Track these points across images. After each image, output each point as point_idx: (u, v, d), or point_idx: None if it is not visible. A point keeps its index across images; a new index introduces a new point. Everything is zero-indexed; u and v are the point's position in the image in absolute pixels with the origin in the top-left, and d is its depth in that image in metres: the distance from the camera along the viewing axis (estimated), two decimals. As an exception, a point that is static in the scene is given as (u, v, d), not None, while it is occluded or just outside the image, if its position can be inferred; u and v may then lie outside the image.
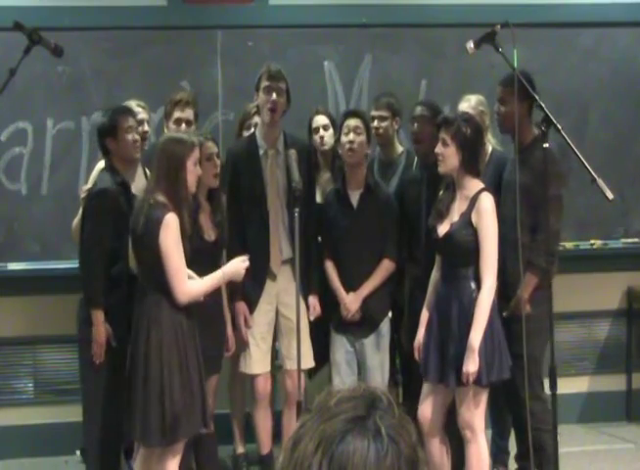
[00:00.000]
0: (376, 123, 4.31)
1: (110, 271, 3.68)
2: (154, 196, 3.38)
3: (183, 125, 4.20)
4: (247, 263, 3.52)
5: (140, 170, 3.99)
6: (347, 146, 4.02)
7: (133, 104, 4.19)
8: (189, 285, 3.40)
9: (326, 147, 4.41)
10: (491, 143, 4.31)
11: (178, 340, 3.38)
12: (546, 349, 3.71)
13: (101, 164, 3.96)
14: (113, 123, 3.75)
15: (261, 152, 4.06)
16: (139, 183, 3.86)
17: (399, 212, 4.13)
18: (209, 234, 3.83)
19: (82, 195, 3.95)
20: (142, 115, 4.18)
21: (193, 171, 3.44)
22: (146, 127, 4.21)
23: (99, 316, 3.66)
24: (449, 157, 3.53)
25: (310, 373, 4.25)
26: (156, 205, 3.36)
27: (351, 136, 4.01)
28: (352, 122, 4.04)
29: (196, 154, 3.45)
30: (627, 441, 4.94)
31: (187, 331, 3.42)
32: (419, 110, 4.10)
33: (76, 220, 4.03)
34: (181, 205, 3.38)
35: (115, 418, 3.62)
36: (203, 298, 3.49)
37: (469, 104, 4.24)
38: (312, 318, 4.07)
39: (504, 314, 3.73)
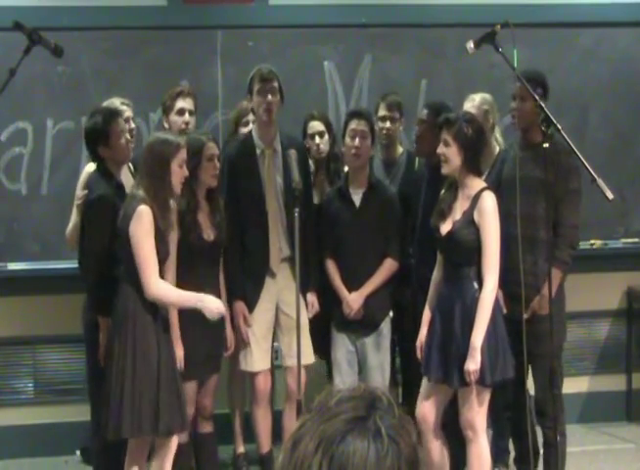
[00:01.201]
0: (388, 124, 4.30)
1: (112, 274, 3.66)
2: (136, 192, 3.40)
3: (186, 115, 4.18)
4: (222, 313, 3.47)
5: (125, 167, 3.97)
6: (353, 151, 4.01)
7: (117, 102, 4.13)
8: (158, 282, 3.38)
9: (322, 155, 4.39)
10: (499, 142, 4.30)
11: (137, 335, 3.35)
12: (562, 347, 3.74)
13: (90, 166, 3.92)
14: (104, 130, 3.67)
15: (258, 152, 4.06)
16: (127, 181, 3.85)
17: (403, 212, 4.12)
18: (208, 234, 3.83)
19: (78, 201, 3.91)
20: (127, 113, 4.12)
21: (178, 173, 3.44)
22: (132, 125, 4.17)
23: (104, 322, 3.65)
24: (452, 157, 3.52)
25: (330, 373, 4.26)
26: (133, 198, 3.38)
27: (357, 142, 4.00)
28: (359, 127, 4.02)
29: (181, 155, 3.44)
30: (627, 441, 4.94)
31: (151, 328, 3.39)
32: (422, 114, 4.09)
33: (71, 227, 4.00)
34: (161, 204, 3.39)
35: None
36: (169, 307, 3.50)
37: (472, 104, 4.23)
38: (311, 315, 4.07)
39: (525, 316, 3.63)
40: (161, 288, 3.39)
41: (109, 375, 3.39)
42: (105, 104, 4.13)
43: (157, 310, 3.43)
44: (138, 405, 3.34)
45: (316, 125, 4.39)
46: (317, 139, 4.36)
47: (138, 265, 3.34)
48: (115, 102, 4.14)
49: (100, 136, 3.68)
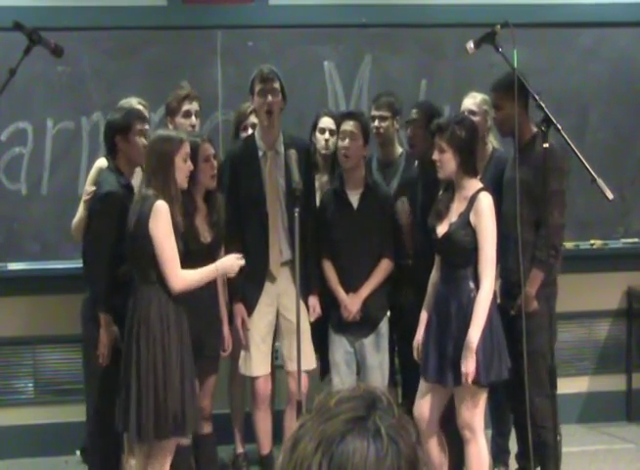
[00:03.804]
0: (376, 123, 4.29)
1: (116, 273, 3.65)
2: (146, 191, 3.39)
3: (193, 118, 4.18)
4: (242, 262, 3.51)
5: (138, 169, 3.98)
6: (343, 151, 4.01)
7: (134, 101, 4.14)
8: (183, 272, 3.38)
9: (328, 152, 4.39)
10: (493, 144, 4.31)
11: (164, 337, 3.36)
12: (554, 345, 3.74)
13: (100, 161, 3.93)
14: (126, 123, 3.72)
15: (260, 154, 4.05)
16: (138, 182, 3.85)
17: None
18: (205, 236, 3.82)
19: (86, 197, 3.91)
20: (144, 113, 4.14)
21: (182, 168, 3.44)
22: (146, 126, 4.19)
23: (105, 319, 3.66)
24: (447, 162, 3.52)
25: (322, 374, 4.24)
26: (146, 197, 3.37)
27: (347, 142, 3.99)
28: (348, 127, 4.01)
29: (184, 150, 3.44)
30: (627, 441, 4.94)
31: (174, 328, 3.39)
32: (412, 113, 4.09)
33: (76, 220, 4.01)
34: (172, 201, 3.39)
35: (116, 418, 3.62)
36: (197, 289, 3.49)
37: (474, 100, 4.22)
38: (312, 319, 4.06)
39: (512, 312, 3.72)
40: (187, 278, 3.40)
41: (132, 377, 3.35)
42: (122, 102, 4.14)
43: (178, 308, 3.42)
44: (172, 406, 3.34)
45: (329, 122, 4.39)
46: (327, 134, 4.36)
47: (162, 262, 3.32)
48: (132, 101, 4.15)
49: (122, 127, 3.72)
